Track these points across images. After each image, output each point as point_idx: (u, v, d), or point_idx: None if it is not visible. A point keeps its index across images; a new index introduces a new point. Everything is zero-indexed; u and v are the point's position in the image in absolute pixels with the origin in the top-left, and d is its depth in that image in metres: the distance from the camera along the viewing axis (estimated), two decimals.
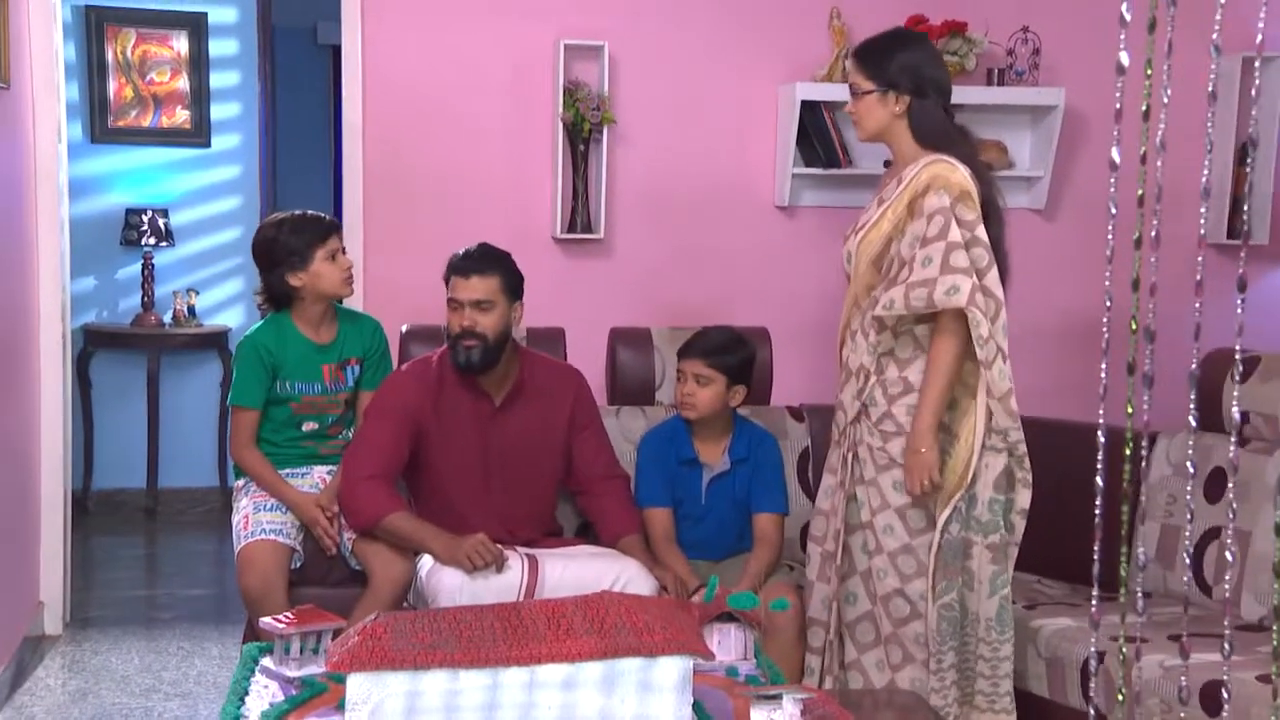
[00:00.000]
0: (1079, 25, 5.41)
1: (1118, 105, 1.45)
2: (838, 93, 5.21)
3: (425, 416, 3.87)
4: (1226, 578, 2.99)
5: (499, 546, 3.68)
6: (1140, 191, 1.44)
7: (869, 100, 3.56)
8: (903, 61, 3.52)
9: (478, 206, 5.22)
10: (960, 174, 3.43)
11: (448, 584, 3.61)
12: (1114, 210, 1.48)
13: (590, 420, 4.06)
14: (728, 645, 2.96)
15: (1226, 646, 1.44)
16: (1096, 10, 5.02)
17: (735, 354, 4.04)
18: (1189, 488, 1.59)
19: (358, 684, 2.54)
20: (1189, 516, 1.67)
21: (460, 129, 5.22)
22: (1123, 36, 1.39)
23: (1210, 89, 1.42)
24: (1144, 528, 4.09)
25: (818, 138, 5.30)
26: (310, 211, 4.11)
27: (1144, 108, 1.40)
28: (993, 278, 3.40)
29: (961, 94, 4.44)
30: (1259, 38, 1.52)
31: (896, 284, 3.43)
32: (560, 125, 5.14)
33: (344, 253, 4.08)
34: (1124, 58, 1.41)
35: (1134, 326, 1.49)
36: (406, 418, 3.85)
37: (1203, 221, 1.45)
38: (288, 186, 7.93)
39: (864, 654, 3.62)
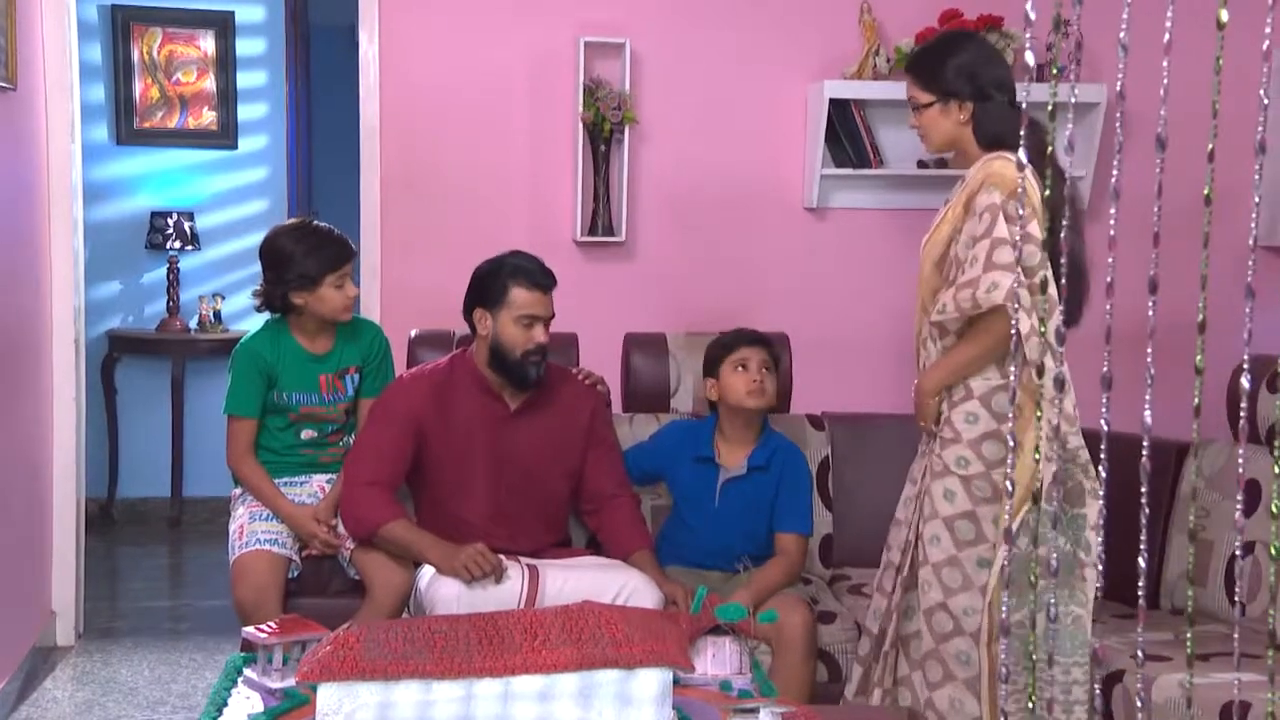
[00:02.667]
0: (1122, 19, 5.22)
1: (1024, 104, 1.49)
2: (868, 90, 5.10)
3: (430, 423, 3.76)
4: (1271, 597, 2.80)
5: (499, 556, 3.55)
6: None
7: (930, 113, 3.40)
8: (957, 66, 3.36)
9: (496, 208, 5.11)
10: (1016, 169, 3.26)
11: (445, 594, 3.49)
12: (1021, 212, 1.43)
13: (606, 438, 3.96)
14: (722, 659, 2.82)
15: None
16: (1141, 4, 4.84)
17: (775, 348, 4.09)
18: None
19: (328, 694, 2.48)
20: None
21: (479, 129, 5.11)
22: (1029, 36, 1.43)
23: (1119, 87, 1.40)
24: (1174, 542, 3.92)
25: (848, 137, 5.16)
26: (334, 231, 3.98)
27: (1051, 107, 1.42)
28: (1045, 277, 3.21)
29: None
30: None
31: (951, 286, 3.30)
32: (580, 125, 5.02)
33: (352, 281, 3.98)
34: (1030, 57, 1.49)
35: (1042, 330, 1.43)
36: (409, 424, 3.75)
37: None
38: (322, 188, 7.84)
39: (914, 671, 3.45)
